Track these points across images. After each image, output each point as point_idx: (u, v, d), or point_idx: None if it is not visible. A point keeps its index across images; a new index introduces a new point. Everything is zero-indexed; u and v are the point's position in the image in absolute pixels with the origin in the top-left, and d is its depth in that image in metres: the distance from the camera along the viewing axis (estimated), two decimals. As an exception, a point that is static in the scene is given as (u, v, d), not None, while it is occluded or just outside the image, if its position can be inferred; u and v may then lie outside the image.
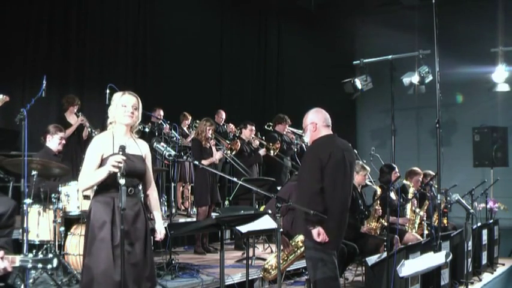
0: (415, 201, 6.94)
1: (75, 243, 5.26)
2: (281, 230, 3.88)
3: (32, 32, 8.41)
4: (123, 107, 3.66)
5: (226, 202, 8.45)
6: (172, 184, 8.53)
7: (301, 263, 5.80)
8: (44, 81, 5.06)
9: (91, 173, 3.58)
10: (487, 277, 7.11)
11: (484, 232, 7.27)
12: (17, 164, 5.00)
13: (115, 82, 5.94)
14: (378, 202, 6.24)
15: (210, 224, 4.06)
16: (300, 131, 8.68)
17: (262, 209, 7.07)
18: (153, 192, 3.89)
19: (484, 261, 7.30)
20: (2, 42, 7.81)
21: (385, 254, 4.73)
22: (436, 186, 6.00)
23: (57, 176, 5.59)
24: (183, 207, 9.07)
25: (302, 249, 4.83)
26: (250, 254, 6.44)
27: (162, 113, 8.72)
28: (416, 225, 6.83)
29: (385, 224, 5.99)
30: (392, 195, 6.62)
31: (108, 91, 5.89)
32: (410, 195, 6.84)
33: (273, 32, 13.00)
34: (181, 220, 8.00)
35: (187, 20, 10.71)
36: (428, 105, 9.15)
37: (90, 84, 8.98)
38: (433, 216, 6.89)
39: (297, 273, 6.53)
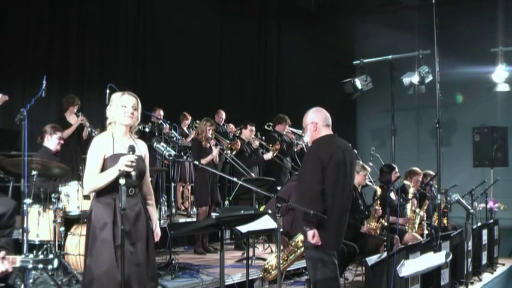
0: (415, 201, 6.94)
1: (75, 243, 5.27)
2: (281, 230, 3.88)
3: (32, 32, 8.41)
4: (123, 107, 3.65)
5: (226, 202, 8.45)
6: (172, 184, 8.53)
7: (301, 263, 5.80)
8: (44, 81, 5.06)
9: (99, 175, 3.55)
10: (487, 277, 7.11)
11: (484, 232, 7.27)
12: (17, 164, 5.00)
13: (115, 82, 5.93)
14: (378, 202, 6.24)
15: (210, 224, 4.06)
16: (299, 131, 8.68)
17: (262, 209, 7.07)
18: (150, 193, 3.88)
19: (484, 261, 7.30)
20: (2, 42, 7.82)
21: (385, 254, 4.73)
22: (436, 186, 6.00)
23: (57, 176, 5.59)
24: (183, 207, 9.08)
25: (302, 249, 4.83)
26: (250, 254, 6.44)
27: (162, 113, 8.72)
28: (416, 225, 6.83)
29: (385, 224, 5.99)
30: (392, 195, 6.63)
31: (108, 91, 5.88)
32: (410, 195, 6.84)
33: (273, 32, 13.01)
34: (181, 220, 8.01)
35: (187, 20, 10.72)
36: (428, 105, 9.15)
37: (90, 84, 8.98)
38: (433, 216, 6.90)
39: (297, 273, 6.53)
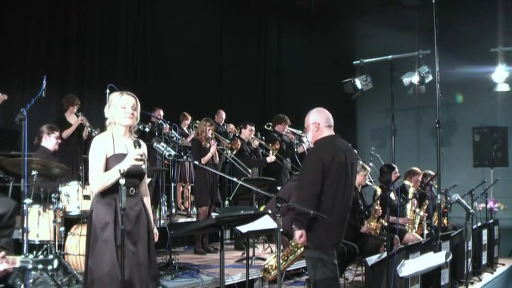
0: (415, 201, 6.94)
1: (75, 243, 5.27)
2: (281, 230, 3.88)
3: (32, 32, 8.42)
4: (123, 108, 3.64)
5: (226, 202, 8.45)
6: (172, 184, 8.53)
7: (301, 263, 5.80)
8: (44, 81, 5.06)
9: (106, 173, 3.54)
10: (487, 277, 7.11)
11: (484, 232, 7.27)
12: (17, 164, 5.00)
13: (115, 82, 5.93)
14: (378, 202, 6.24)
15: (210, 224, 4.06)
16: (299, 131, 8.68)
17: (262, 209, 7.07)
18: (146, 193, 3.88)
19: (484, 261, 7.30)
20: (2, 42, 7.82)
21: (385, 254, 4.73)
22: (436, 186, 6.00)
23: (57, 176, 5.59)
24: (183, 207, 9.08)
25: (302, 249, 4.84)
26: (250, 254, 6.44)
27: (162, 113, 8.72)
28: (416, 225, 6.83)
29: (385, 224, 5.99)
30: (392, 195, 6.62)
31: (108, 91, 5.88)
32: (410, 195, 6.84)
33: (273, 32, 13.01)
34: (181, 220, 8.01)
35: (187, 20, 10.71)
36: (428, 105, 9.15)
37: (90, 84, 8.99)
38: (433, 216, 6.89)
39: (297, 273, 6.53)
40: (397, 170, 6.86)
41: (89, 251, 3.55)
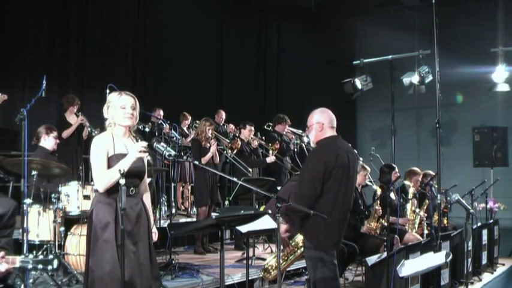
0: (415, 201, 6.94)
1: (75, 243, 5.27)
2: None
3: (32, 32, 8.42)
4: (122, 108, 3.63)
5: (226, 202, 8.45)
6: (172, 184, 8.53)
7: (301, 263, 5.80)
8: (44, 81, 5.06)
9: (110, 169, 3.52)
10: (487, 277, 7.11)
11: (484, 232, 7.27)
12: (17, 164, 5.00)
13: (115, 82, 5.93)
14: (378, 202, 6.24)
15: (210, 224, 4.05)
16: (299, 131, 8.67)
17: (262, 209, 7.07)
18: (147, 193, 3.88)
19: (484, 261, 7.30)
20: (2, 42, 7.82)
21: (385, 254, 4.73)
22: (436, 186, 6.00)
23: (57, 176, 5.59)
24: (183, 207, 9.08)
25: (302, 249, 4.83)
26: (250, 254, 6.44)
27: (162, 113, 8.72)
28: (416, 225, 6.83)
29: (385, 224, 5.99)
30: (392, 195, 6.62)
31: (108, 91, 5.88)
32: (410, 195, 6.84)
33: (273, 32, 13.01)
34: (181, 220, 8.01)
35: (187, 20, 10.72)
36: (428, 105, 9.15)
37: (90, 84, 8.99)
38: (433, 216, 6.89)
39: (297, 273, 6.53)
40: (397, 170, 6.85)
41: (89, 251, 3.54)
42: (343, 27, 12.60)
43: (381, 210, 6.23)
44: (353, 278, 6.61)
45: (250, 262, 5.62)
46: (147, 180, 3.93)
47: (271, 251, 7.13)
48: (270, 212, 4.12)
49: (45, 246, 5.22)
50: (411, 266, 4.49)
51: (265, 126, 9.33)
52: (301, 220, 4.16)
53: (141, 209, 3.69)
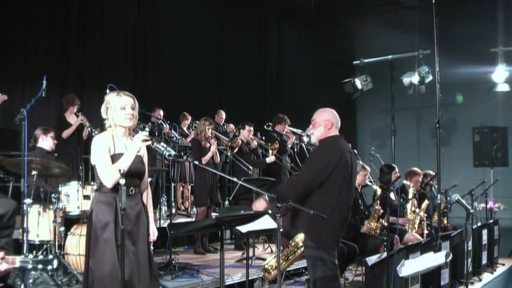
0: (415, 202, 6.94)
1: (75, 243, 5.27)
2: (281, 230, 3.88)
3: (32, 32, 8.41)
4: (122, 109, 3.63)
5: (226, 202, 8.45)
6: (172, 184, 8.53)
7: (301, 263, 5.80)
8: (44, 81, 5.05)
9: (116, 163, 3.51)
10: (487, 277, 7.11)
11: (484, 232, 7.27)
12: (17, 164, 5.00)
13: (115, 82, 5.93)
14: (378, 202, 6.24)
15: (210, 224, 4.05)
16: (299, 131, 8.67)
17: (262, 209, 7.06)
18: (147, 193, 3.88)
19: (484, 261, 7.30)
20: (2, 42, 7.82)
21: (385, 254, 4.73)
22: (436, 186, 6.00)
23: (57, 176, 5.59)
24: (183, 207, 9.08)
25: (302, 249, 4.83)
26: (250, 254, 6.44)
27: (162, 113, 8.72)
28: (416, 225, 6.83)
29: (385, 224, 5.98)
30: (392, 195, 6.62)
31: (108, 91, 5.88)
32: (410, 196, 6.84)
33: (273, 32, 13.01)
34: (181, 220, 8.01)
35: (187, 20, 10.72)
36: (428, 105, 9.14)
37: (90, 84, 8.99)
38: (433, 216, 6.89)
39: (297, 273, 6.53)
40: (397, 170, 6.85)
41: (89, 251, 3.54)
42: (343, 27, 12.60)
43: (381, 210, 6.23)
44: (353, 278, 6.61)
45: (250, 262, 5.62)
46: (147, 179, 3.93)
47: (271, 251, 7.13)
48: (270, 212, 4.13)
49: (45, 246, 5.22)
50: (411, 266, 4.49)
51: (265, 126, 9.33)
52: (303, 219, 4.17)
53: (141, 208, 3.69)
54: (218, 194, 7.40)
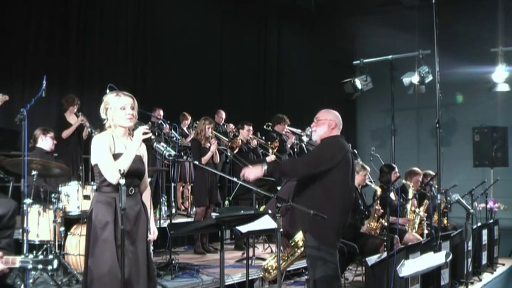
0: (415, 201, 6.94)
1: (75, 243, 5.26)
2: (281, 230, 3.88)
3: (32, 32, 8.41)
4: (122, 109, 3.62)
5: (226, 202, 8.44)
6: (172, 184, 8.53)
7: (301, 263, 5.80)
8: (44, 81, 5.05)
9: (118, 160, 3.51)
10: (487, 277, 7.11)
11: (484, 232, 7.27)
12: (17, 164, 5.00)
13: (115, 82, 5.92)
14: (378, 202, 6.24)
15: (210, 224, 4.06)
16: (298, 130, 8.67)
17: (262, 209, 7.07)
18: (147, 193, 3.88)
19: (484, 261, 7.30)
20: (2, 42, 7.82)
21: (385, 254, 4.74)
22: (436, 186, 6.00)
23: (56, 176, 5.59)
24: (183, 207, 9.08)
25: (302, 249, 4.84)
26: (250, 254, 6.44)
27: (162, 113, 8.72)
28: (416, 225, 6.83)
29: (385, 224, 5.98)
30: (392, 195, 6.62)
31: (108, 91, 5.88)
32: (410, 195, 6.84)
33: (273, 32, 13.01)
34: (181, 220, 8.01)
35: (187, 19, 10.72)
36: (428, 105, 9.14)
37: (90, 84, 8.98)
38: (433, 216, 6.89)
39: (297, 273, 6.53)
40: (397, 170, 6.85)
41: (88, 251, 3.54)
42: (343, 27, 12.60)
43: (381, 210, 6.23)
44: (353, 278, 6.61)
45: (250, 262, 5.62)
46: (147, 179, 3.93)
47: (271, 251, 7.13)
48: (270, 212, 4.13)
49: (45, 246, 5.22)
50: (411, 266, 4.49)
51: (264, 126, 9.33)
52: (304, 217, 4.18)
53: (141, 208, 3.69)
54: (218, 194, 7.39)
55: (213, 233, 7.00)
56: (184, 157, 5.24)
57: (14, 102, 7.11)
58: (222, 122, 9.67)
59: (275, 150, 8.16)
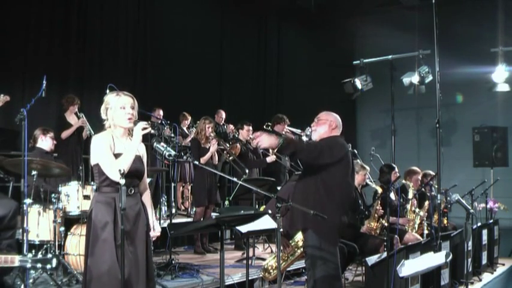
0: (415, 201, 6.94)
1: (75, 243, 5.26)
2: (281, 230, 3.88)
3: (32, 32, 8.42)
4: (122, 109, 3.63)
5: (226, 202, 8.44)
6: (172, 184, 8.53)
7: (301, 263, 5.79)
8: (44, 81, 5.05)
9: (119, 158, 3.52)
10: (487, 277, 7.11)
11: (484, 232, 7.27)
12: (17, 164, 5.00)
13: (115, 82, 5.92)
14: (378, 202, 6.24)
15: (210, 224, 4.06)
16: (298, 130, 8.67)
17: (262, 209, 7.07)
18: (147, 192, 3.88)
19: (484, 261, 7.30)
20: (2, 42, 7.82)
21: (385, 254, 4.74)
22: (436, 186, 6.00)
23: (56, 176, 5.59)
24: (183, 207, 9.08)
25: (302, 249, 4.84)
26: (250, 254, 6.44)
27: (162, 113, 8.72)
28: (416, 225, 6.83)
29: (385, 224, 5.98)
30: (392, 195, 6.62)
31: (108, 91, 5.88)
32: (410, 195, 6.84)
33: (273, 32, 13.01)
34: (181, 220, 8.01)
35: (187, 20, 10.72)
36: (428, 105, 9.12)
37: (90, 84, 8.99)
38: (433, 216, 6.89)
39: (297, 273, 6.53)
40: (397, 170, 6.85)
41: (88, 250, 3.55)
42: (343, 27, 12.60)
43: (381, 210, 6.23)
44: (353, 278, 6.62)
45: (250, 262, 5.62)
46: (147, 180, 3.93)
47: (271, 251, 7.13)
48: (270, 212, 4.13)
49: (45, 246, 5.21)
50: (411, 266, 4.49)
51: (264, 126, 9.32)
52: (305, 217, 4.18)
53: (140, 208, 3.69)
54: (217, 194, 7.39)
55: (213, 233, 7.00)
56: (184, 157, 5.24)
57: (14, 102, 7.10)
58: (222, 122, 9.67)
59: (275, 151, 8.14)
